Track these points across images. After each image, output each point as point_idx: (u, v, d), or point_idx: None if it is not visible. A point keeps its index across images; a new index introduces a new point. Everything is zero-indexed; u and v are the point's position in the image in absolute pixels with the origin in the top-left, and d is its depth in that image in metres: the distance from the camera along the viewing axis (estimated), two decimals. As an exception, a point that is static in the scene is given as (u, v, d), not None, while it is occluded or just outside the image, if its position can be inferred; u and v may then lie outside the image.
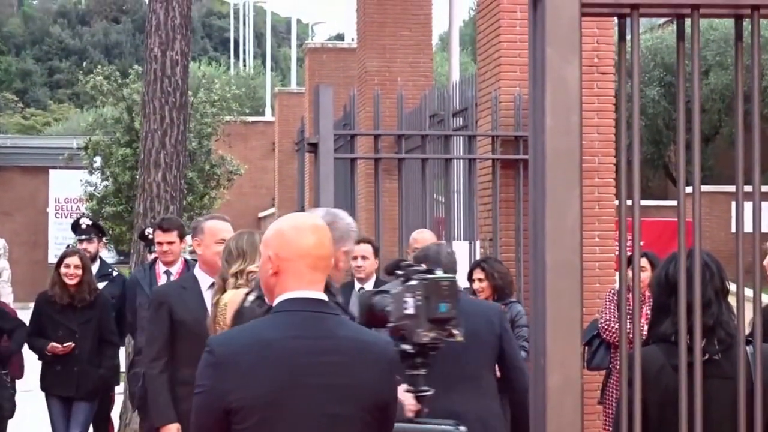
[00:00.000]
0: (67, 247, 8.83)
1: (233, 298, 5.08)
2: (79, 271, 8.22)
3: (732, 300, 4.27)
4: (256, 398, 2.85)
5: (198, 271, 6.12)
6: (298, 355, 2.89)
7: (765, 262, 6.01)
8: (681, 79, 2.68)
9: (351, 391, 2.92)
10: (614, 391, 7.52)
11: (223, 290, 5.29)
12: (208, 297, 5.85)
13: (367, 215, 11.63)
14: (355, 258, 7.57)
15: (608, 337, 7.62)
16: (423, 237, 7.34)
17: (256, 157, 30.73)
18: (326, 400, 2.90)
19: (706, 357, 3.25)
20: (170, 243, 8.03)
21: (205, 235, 6.05)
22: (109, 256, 18.59)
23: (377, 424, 2.99)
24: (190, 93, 13.38)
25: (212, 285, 5.89)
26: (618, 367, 8.60)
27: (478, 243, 9.15)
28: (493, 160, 8.95)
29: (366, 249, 7.66)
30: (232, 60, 50.86)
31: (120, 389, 9.42)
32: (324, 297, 2.98)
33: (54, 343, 8.19)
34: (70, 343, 8.21)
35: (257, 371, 2.86)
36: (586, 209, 8.44)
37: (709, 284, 3.41)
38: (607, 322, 7.63)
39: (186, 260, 8.39)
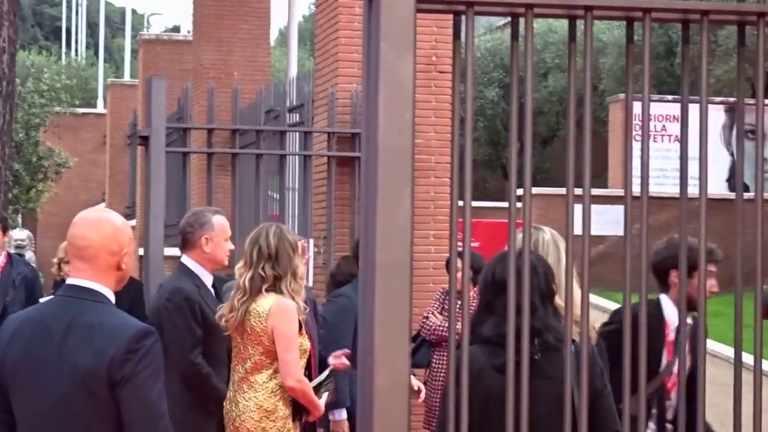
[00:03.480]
0: None
1: (289, 306, 5.04)
2: None
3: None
4: (5, 368, 3.20)
5: (198, 268, 5.59)
6: (35, 332, 3.18)
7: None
8: (515, 80, 2.67)
9: (74, 370, 3.10)
10: (435, 388, 7.61)
11: (260, 291, 5.09)
12: None
13: (200, 211, 11.44)
14: None
15: (428, 336, 7.76)
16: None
17: (87, 150, 30.01)
18: (51, 377, 3.13)
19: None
20: (-9, 236, 7.72)
21: (215, 232, 5.58)
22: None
23: (110, 402, 3.10)
24: (17, 82, 12.92)
25: (214, 285, 5.64)
26: (437, 365, 8.59)
27: (312, 241, 9.10)
28: (329, 157, 8.91)
29: None
30: (64, 49, 49.56)
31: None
32: (87, 284, 3.20)
33: None
34: None
35: (10, 343, 3.21)
36: (422, 208, 8.47)
37: (536, 289, 3.43)
38: (425, 320, 7.77)
39: (9, 254, 8.08)
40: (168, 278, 6.09)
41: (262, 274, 5.11)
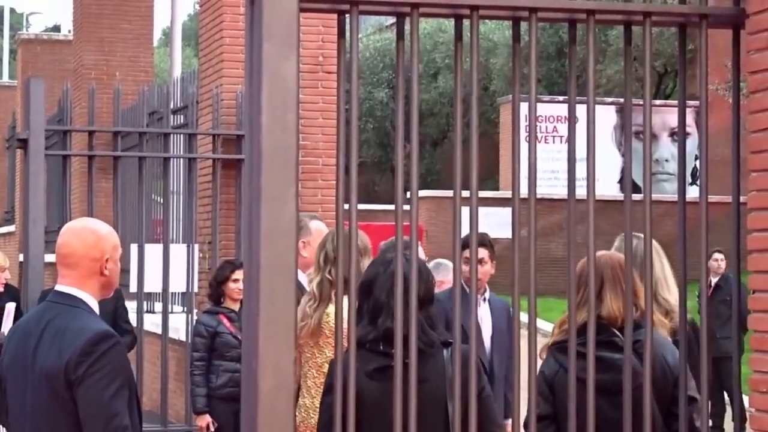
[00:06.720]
0: None
1: None
2: None
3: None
4: (2, 368, 3.53)
5: (303, 277, 5.47)
6: (21, 336, 3.48)
7: None
8: (400, 80, 2.63)
9: (41, 371, 3.36)
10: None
11: (330, 296, 4.88)
12: None
13: (81, 216, 11.20)
14: None
15: None
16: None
17: (-35, 153, 29.22)
18: (27, 378, 3.40)
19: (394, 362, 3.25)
20: None
21: (312, 237, 5.56)
22: None
23: (71, 402, 3.31)
24: None
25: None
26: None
27: (197, 246, 8.96)
28: (214, 159, 8.79)
29: None
30: (-60, 49, 48.22)
31: None
32: (69, 290, 3.47)
33: None
34: None
35: (7, 345, 3.54)
36: (309, 211, 8.40)
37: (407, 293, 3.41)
38: None
39: None
40: None
41: (329, 278, 4.98)
